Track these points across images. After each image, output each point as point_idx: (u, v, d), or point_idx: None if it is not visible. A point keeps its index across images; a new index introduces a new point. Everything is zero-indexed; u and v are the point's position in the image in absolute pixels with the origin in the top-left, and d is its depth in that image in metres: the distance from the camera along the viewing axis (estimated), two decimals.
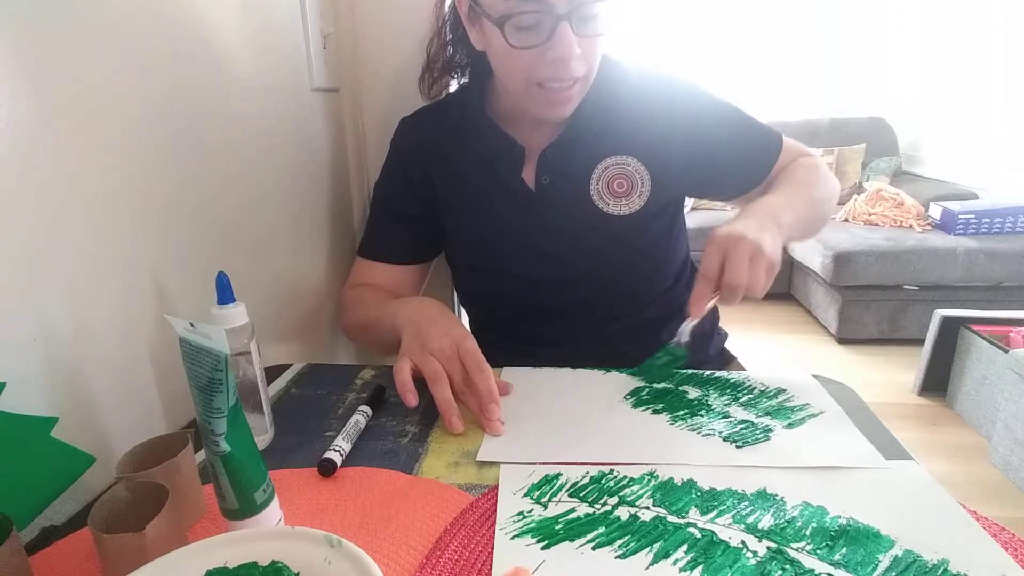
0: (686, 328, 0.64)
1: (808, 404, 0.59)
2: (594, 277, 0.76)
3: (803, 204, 0.70)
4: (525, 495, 0.46)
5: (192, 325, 0.37)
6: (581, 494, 0.46)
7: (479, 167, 0.76)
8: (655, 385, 0.64)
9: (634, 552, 0.40)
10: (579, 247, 0.75)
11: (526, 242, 0.76)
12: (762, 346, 2.52)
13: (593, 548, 0.41)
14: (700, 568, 0.39)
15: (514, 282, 0.78)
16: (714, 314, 0.88)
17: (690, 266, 0.87)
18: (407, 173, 0.80)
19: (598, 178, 0.73)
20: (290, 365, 0.73)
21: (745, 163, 0.77)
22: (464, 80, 0.83)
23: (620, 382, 0.65)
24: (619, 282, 0.77)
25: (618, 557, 0.40)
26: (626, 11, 3.33)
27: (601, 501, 0.45)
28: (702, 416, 0.58)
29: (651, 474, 0.49)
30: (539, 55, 0.62)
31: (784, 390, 0.62)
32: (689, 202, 2.79)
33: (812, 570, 0.38)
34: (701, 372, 0.67)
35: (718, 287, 0.58)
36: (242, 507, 0.39)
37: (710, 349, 0.86)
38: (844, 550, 0.40)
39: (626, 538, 0.41)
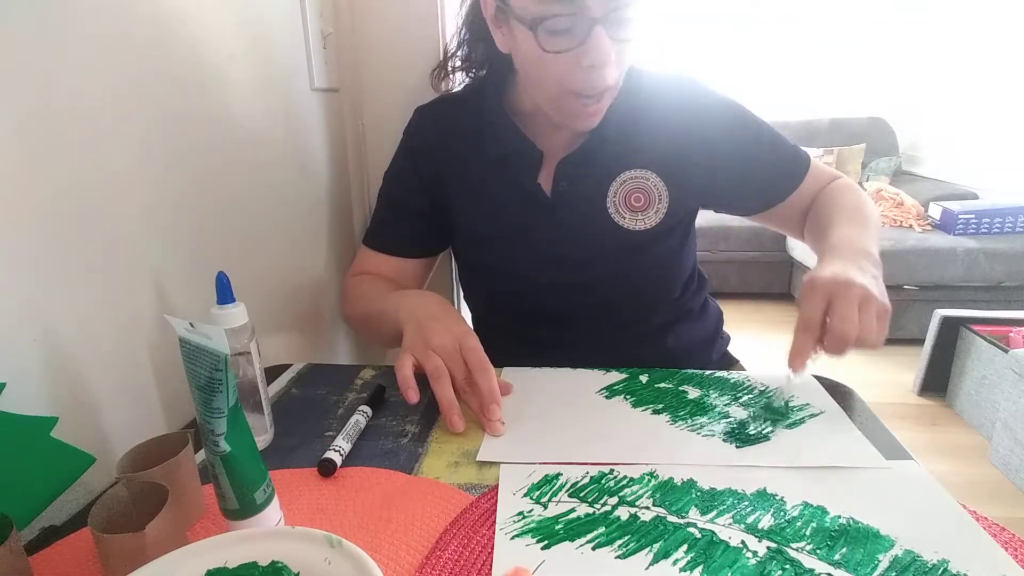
0: (788, 384, 0.58)
1: (808, 404, 0.59)
2: (602, 285, 0.75)
3: (874, 231, 0.67)
4: (525, 495, 0.46)
5: (192, 325, 0.37)
6: (581, 494, 0.46)
7: (493, 166, 0.74)
8: (656, 385, 0.64)
9: (634, 552, 0.40)
10: (590, 255, 0.74)
11: (536, 246, 0.74)
12: (762, 346, 2.52)
13: (593, 548, 0.41)
14: (700, 568, 0.39)
15: (520, 283, 0.77)
16: (718, 320, 0.88)
17: (697, 273, 0.85)
18: (417, 167, 0.79)
19: (616, 191, 0.71)
20: (290, 365, 0.73)
21: (767, 180, 0.75)
22: (481, 73, 0.81)
23: (618, 381, 0.65)
24: (627, 291, 0.76)
25: (618, 557, 0.40)
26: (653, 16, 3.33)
27: (601, 501, 0.45)
28: (702, 416, 0.58)
29: (651, 474, 0.49)
30: (573, 61, 0.59)
31: None
32: None
33: (812, 570, 0.38)
34: (701, 372, 0.67)
35: (821, 337, 0.53)
36: (242, 507, 0.39)
37: (712, 354, 0.85)
38: (844, 550, 0.40)
39: (626, 538, 0.41)
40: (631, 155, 0.72)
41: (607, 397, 0.62)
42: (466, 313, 0.96)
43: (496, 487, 0.47)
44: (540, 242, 0.74)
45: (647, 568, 0.39)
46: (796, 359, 0.54)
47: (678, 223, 0.75)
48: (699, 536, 0.42)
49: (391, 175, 0.82)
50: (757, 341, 2.56)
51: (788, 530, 0.42)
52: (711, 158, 0.72)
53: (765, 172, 0.75)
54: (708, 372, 0.67)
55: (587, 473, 0.49)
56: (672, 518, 0.43)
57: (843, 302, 0.52)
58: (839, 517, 0.43)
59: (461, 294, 0.97)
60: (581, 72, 0.60)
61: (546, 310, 0.78)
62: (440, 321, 0.61)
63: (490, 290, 0.83)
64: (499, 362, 0.65)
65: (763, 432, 0.55)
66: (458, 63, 0.82)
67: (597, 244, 0.73)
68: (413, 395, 0.57)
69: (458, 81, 0.89)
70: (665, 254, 0.76)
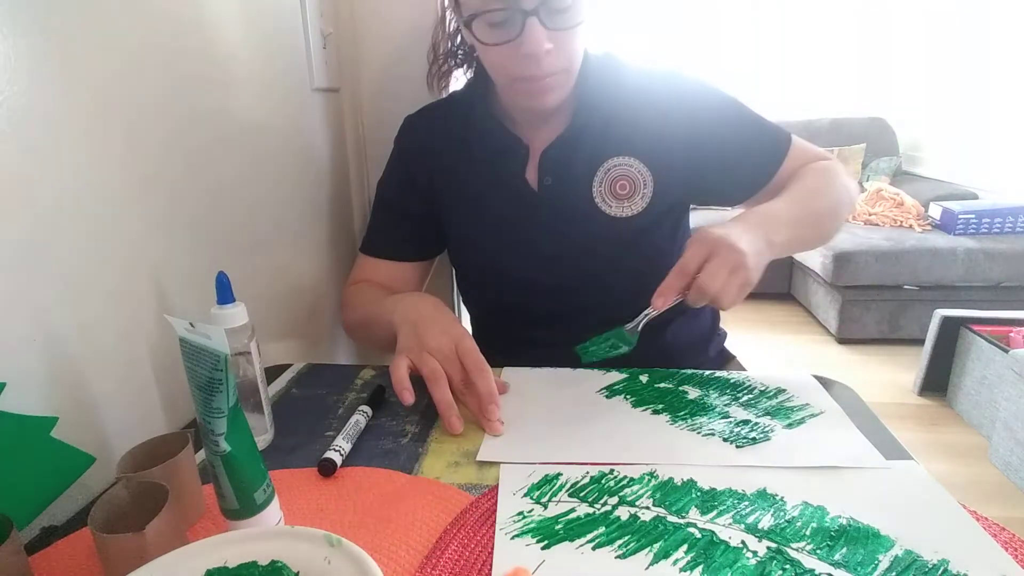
0: (642, 319, 0.61)
1: (808, 404, 0.59)
2: (596, 282, 0.75)
3: (807, 218, 0.67)
4: (525, 495, 0.46)
5: (192, 325, 0.37)
6: (581, 494, 0.46)
7: (482, 166, 0.75)
8: (655, 386, 0.64)
9: (634, 552, 0.40)
10: (580, 250, 0.74)
11: (527, 244, 0.75)
12: (762, 346, 2.52)
13: (593, 548, 0.41)
14: (700, 568, 0.39)
15: (514, 284, 0.78)
16: (714, 316, 0.88)
17: None
18: (410, 171, 0.80)
19: (601, 180, 0.72)
20: (290, 365, 0.73)
21: (748, 163, 0.74)
22: (470, 74, 0.82)
23: (618, 381, 0.65)
24: (621, 286, 0.75)
25: (618, 557, 0.40)
26: (627, 10, 3.33)
27: (601, 501, 0.45)
28: (702, 416, 0.58)
29: (651, 474, 0.49)
30: (512, 50, 0.61)
31: (784, 390, 0.62)
32: None
33: (812, 570, 0.38)
34: (701, 372, 0.67)
35: (689, 285, 0.57)
36: (242, 507, 0.39)
37: (710, 351, 0.85)
38: (844, 550, 0.40)
39: (626, 538, 0.41)
40: (613, 142, 0.72)
41: (607, 397, 0.62)
42: (465, 317, 0.96)
43: (496, 487, 0.48)
44: (529, 241, 0.75)
45: (647, 568, 0.39)
46: (660, 297, 0.58)
47: (666, 212, 0.74)
48: (699, 536, 0.42)
49: (384, 180, 0.83)
50: (757, 341, 2.56)
51: (788, 530, 0.42)
52: (691, 142, 0.72)
53: (745, 152, 0.74)
54: (708, 372, 0.67)
55: (587, 473, 0.49)
56: (672, 518, 0.43)
57: (718, 261, 0.55)
58: (839, 517, 0.43)
59: (460, 297, 0.97)
60: (521, 60, 0.62)
61: (542, 309, 0.78)
62: (436, 322, 0.61)
63: (484, 291, 0.84)
64: (498, 363, 0.65)
65: (763, 432, 0.55)
66: (443, 56, 0.83)
67: (585, 237, 0.73)
68: (408, 396, 0.57)
69: (451, 81, 0.89)
70: (655, 244, 0.75)
